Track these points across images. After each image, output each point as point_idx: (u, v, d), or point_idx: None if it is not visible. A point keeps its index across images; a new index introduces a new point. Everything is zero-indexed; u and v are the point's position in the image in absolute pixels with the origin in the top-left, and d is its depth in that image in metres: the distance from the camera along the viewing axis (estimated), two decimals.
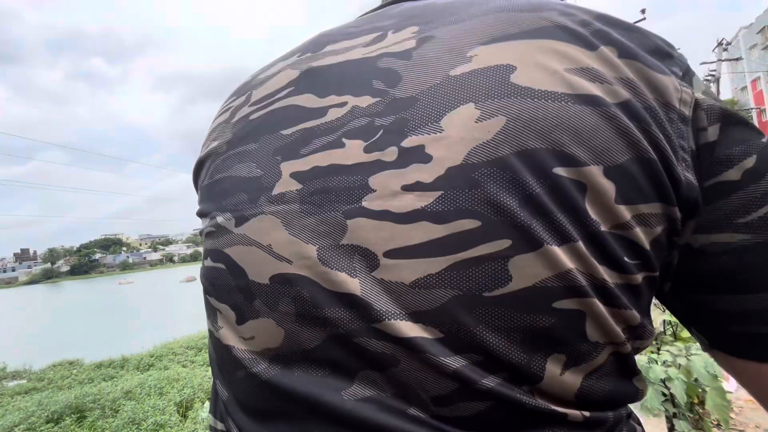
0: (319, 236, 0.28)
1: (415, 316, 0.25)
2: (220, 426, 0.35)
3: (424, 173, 0.25)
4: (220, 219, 0.33)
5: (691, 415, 1.60)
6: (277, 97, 0.34)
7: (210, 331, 0.36)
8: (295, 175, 0.30)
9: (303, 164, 0.30)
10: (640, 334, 0.26)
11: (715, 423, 2.23)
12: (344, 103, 0.30)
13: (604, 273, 0.24)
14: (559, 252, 0.24)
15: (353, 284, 0.26)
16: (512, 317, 0.24)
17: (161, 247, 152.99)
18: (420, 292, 0.25)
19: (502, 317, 0.24)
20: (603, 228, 0.24)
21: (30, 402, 4.56)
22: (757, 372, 0.28)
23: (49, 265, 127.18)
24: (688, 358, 1.64)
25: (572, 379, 0.25)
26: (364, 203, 0.27)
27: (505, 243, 0.24)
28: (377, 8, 0.39)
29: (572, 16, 0.27)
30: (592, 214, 0.24)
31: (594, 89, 0.25)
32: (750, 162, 0.25)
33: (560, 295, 0.24)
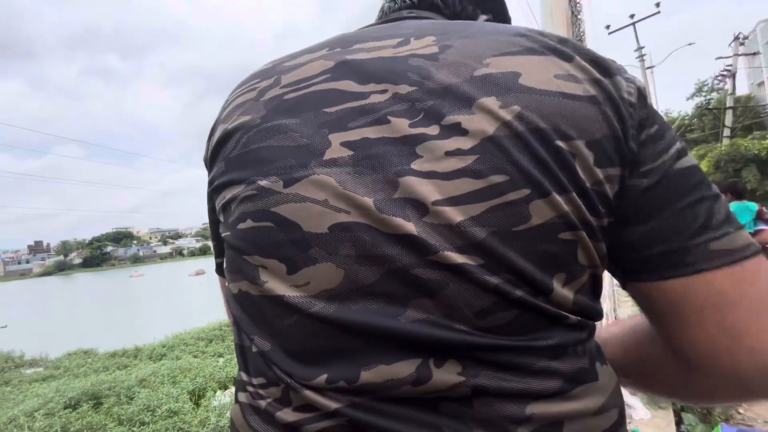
0: (374, 191, 0.34)
1: (461, 249, 0.32)
2: (257, 380, 0.38)
3: (463, 143, 0.33)
4: (263, 182, 0.37)
5: (699, 409, 1.60)
6: (313, 82, 0.39)
7: (242, 291, 0.39)
8: (345, 144, 0.36)
9: (352, 135, 0.36)
10: (605, 262, 0.37)
11: (723, 418, 2.24)
12: (385, 90, 0.36)
13: (589, 215, 0.34)
14: (561, 199, 0.33)
15: (409, 227, 0.33)
16: (532, 246, 0.33)
17: (171, 240, 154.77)
18: (464, 230, 0.32)
19: (525, 246, 0.33)
20: (587, 185, 0.33)
21: (48, 389, 4.70)
22: (659, 293, 0.36)
23: (62, 257, 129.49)
24: None
25: (568, 293, 0.34)
26: (413, 166, 0.34)
27: (525, 191, 0.32)
28: (385, 20, 0.47)
29: (550, 37, 0.37)
30: (581, 174, 0.33)
31: (575, 89, 0.35)
32: (652, 130, 0.36)
33: (562, 229, 0.33)
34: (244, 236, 0.38)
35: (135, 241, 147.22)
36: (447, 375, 0.32)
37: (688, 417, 2.02)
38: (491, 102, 0.34)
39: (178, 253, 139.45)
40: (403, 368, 0.33)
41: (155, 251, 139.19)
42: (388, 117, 0.35)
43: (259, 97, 0.41)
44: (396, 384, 0.33)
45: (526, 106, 0.33)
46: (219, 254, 0.49)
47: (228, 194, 0.40)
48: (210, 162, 0.45)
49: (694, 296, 0.35)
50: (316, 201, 0.35)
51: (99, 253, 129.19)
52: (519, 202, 0.32)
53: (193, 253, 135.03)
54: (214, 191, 0.44)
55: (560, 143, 0.33)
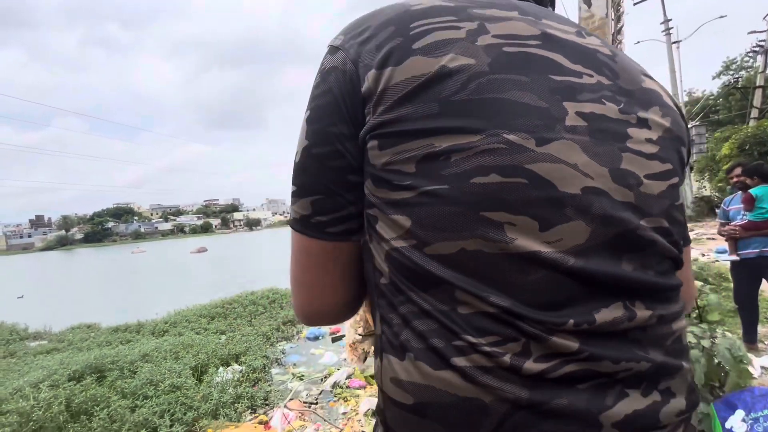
0: (608, 162, 0.41)
1: (661, 214, 0.44)
2: (488, 339, 0.38)
3: (651, 134, 0.45)
4: (512, 137, 0.38)
5: (711, 398, 1.60)
6: (527, 43, 0.42)
7: (466, 250, 0.38)
8: (579, 114, 0.41)
9: (583, 107, 0.41)
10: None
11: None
12: (592, 75, 0.43)
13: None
14: (683, 186, 0.48)
15: (632, 195, 0.42)
16: (680, 217, 0.47)
17: (172, 217, 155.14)
18: (659, 200, 0.44)
19: (679, 216, 0.47)
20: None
21: (52, 361, 4.74)
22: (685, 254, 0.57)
23: (63, 232, 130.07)
24: (712, 341, 1.62)
25: (677, 249, 0.47)
26: (628, 144, 0.43)
27: (678, 179, 0.46)
28: None
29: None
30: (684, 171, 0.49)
31: (676, 109, 0.50)
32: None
33: (683, 209, 0.49)
34: (485, 191, 0.38)
35: (136, 217, 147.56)
36: (643, 311, 0.42)
37: (700, 405, 2.00)
38: (657, 110, 0.46)
39: (180, 230, 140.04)
40: (618, 309, 0.40)
41: (156, 228, 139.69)
42: (603, 100, 0.42)
43: (472, 40, 0.40)
44: (618, 321, 0.40)
45: (672, 119, 0.47)
46: (325, 210, 0.46)
47: (446, 143, 0.38)
48: (395, 96, 0.39)
49: (688, 256, 0.56)
50: (568, 164, 0.39)
51: (100, 229, 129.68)
52: (676, 185, 0.46)
53: (194, 231, 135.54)
54: (403, 134, 0.39)
55: (683, 148, 0.49)
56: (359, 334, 1.35)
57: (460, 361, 0.38)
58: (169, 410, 3.14)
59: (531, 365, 0.37)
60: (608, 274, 0.40)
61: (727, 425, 1.43)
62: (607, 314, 0.39)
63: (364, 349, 1.38)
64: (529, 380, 0.37)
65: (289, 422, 3.29)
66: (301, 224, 0.48)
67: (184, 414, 3.12)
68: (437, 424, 0.39)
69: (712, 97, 23.61)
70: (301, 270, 0.51)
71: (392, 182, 0.41)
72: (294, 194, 0.48)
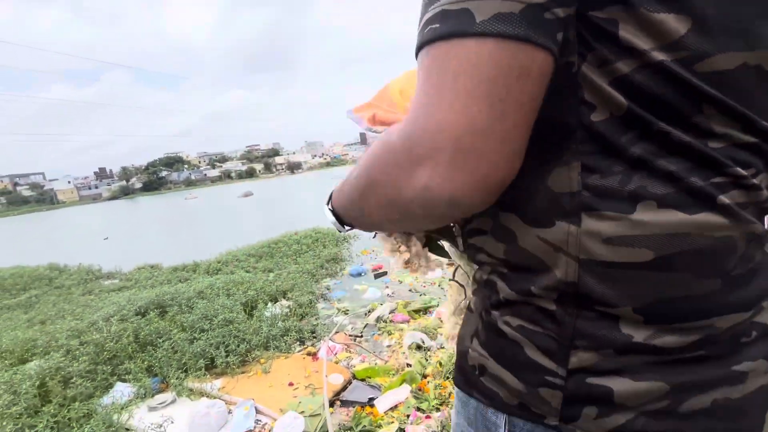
0: None
1: None
2: (749, 172, 0.36)
3: None
4: None
5: None
6: None
7: (751, 65, 0.33)
8: None
9: None
10: None
11: None
12: None
13: None
14: None
15: None
16: None
17: (218, 164, 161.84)
18: None
19: None
20: None
21: (121, 297, 5.21)
22: None
23: (124, 182, 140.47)
24: None
25: None
26: None
27: None
28: None
29: None
30: None
31: None
32: None
33: None
34: None
35: (186, 166, 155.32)
36: None
37: None
38: None
39: (227, 176, 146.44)
40: None
41: (205, 175, 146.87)
42: None
43: None
44: None
45: None
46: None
47: None
48: None
49: None
50: None
51: (155, 178, 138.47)
52: None
53: (240, 176, 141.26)
54: None
55: None
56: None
57: (725, 199, 0.35)
58: (224, 342, 3.34)
59: None
60: None
61: None
62: None
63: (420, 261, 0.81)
64: None
65: (335, 354, 3.41)
66: (524, 22, 0.29)
67: (238, 346, 3.31)
68: (688, 273, 0.35)
69: None
70: (499, 111, 0.30)
71: None
72: None
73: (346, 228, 0.52)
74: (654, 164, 0.34)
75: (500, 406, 0.42)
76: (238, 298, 4.37)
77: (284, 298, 4.77)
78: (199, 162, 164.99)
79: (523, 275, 0.40)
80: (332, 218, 0.51)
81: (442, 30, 0.30)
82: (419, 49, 0.32)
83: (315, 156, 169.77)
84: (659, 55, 0.31)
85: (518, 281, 0.41)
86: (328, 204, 0.51)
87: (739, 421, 0.37)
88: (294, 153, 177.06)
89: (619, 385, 0.36)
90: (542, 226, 0.37)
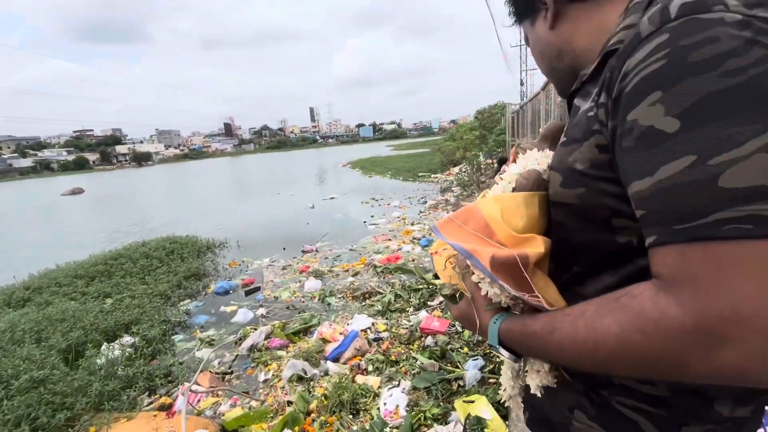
0: None
1: None
2: None
3: None
4: None
5: None
6: None
7: None
8: None
9: None
10: None
11: None
12: None
13: None
14: None
15: None
16: None
17: (31, 151, 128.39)
18: None
19: None
20: None
21: None
22: None
23: None
24: None
25: None
26: None
27: None
28: None
29: None
30: None
31: None
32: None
33: None
34: None
35: None
36: None
37: None
38: None
39: (45, 168, 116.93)
40: None
41: (11, 165, 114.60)
42: None
43: None
44: None
45: None
46: None
47: None
48: None
49: None
50: None
51: None
52: None
53: (65, 167, 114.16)
54: None
55: None
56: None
57: None
58: (28, 415, 2.44)
59: None
60: None
61: None
62: None
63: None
64: None
65: (198, 401, 2.84)
66: None
67: (53, 416, 2.46)
68: None
69: None
70: None
71: None
72: None
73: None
74: None
75: None
76: (55, 342, 3.33)
77: (127, 333, 3.84)
78: (1, 148, 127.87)
79: None
80: (506, 353, 0.55)
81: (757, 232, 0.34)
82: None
83: (169, 147, 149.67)
84: None
85: None
86: (498, 344, 0.55)
87: None
88: (141, 142, 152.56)
89: None
90: None
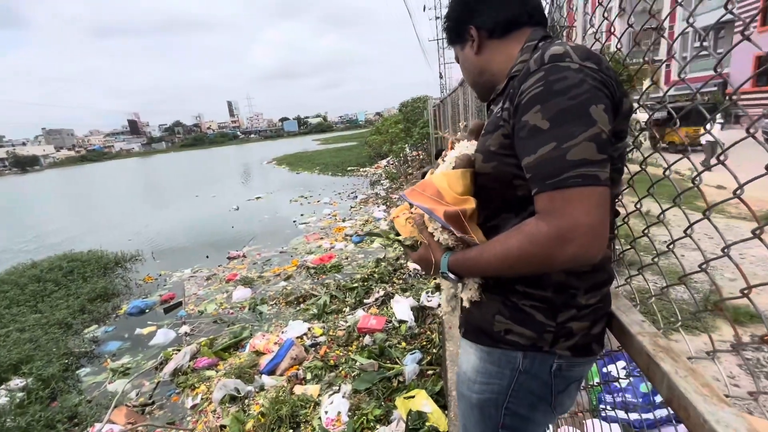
0: None
1: None
2: None
3: None
4: None
5: None
6: None
7: None
8: None
9: None
10: None
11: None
12: None
13: None
14: None
15: None
16: None
17: None
18: None
19: None
20: None
21: None
22: None
23: None
24: None
25: None
26: None
27: None
28: None
29: None
30: None
31: None
32: None
33: None
34: None
35: None
36: None
37: None
38: None
39: None
40: None
41: None
42: None
43: None
44: None
45: None
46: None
47: None
48: None
49: None
50: None
51: None
52: None
53: None
54: None
55: None
56: None
57: None
58: None
59: None
60: None
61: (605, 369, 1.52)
62: None
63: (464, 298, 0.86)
64: None
65: None
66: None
67: None
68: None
69: None
70: (602, 221, 0.61)
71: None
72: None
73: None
74: None
75: (519, 348, 0.76)
76: None
77: (16, 374, 3.27)
78: None
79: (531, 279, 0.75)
80: (453, 277, 0.80)
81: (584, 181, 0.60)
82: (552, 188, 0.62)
83: (61, 148, 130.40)
84: None
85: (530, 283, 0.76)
86: (444, 271, 0.80)
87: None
88: (24, 144, 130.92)
89: (576, 324, 0.75)
90: None
